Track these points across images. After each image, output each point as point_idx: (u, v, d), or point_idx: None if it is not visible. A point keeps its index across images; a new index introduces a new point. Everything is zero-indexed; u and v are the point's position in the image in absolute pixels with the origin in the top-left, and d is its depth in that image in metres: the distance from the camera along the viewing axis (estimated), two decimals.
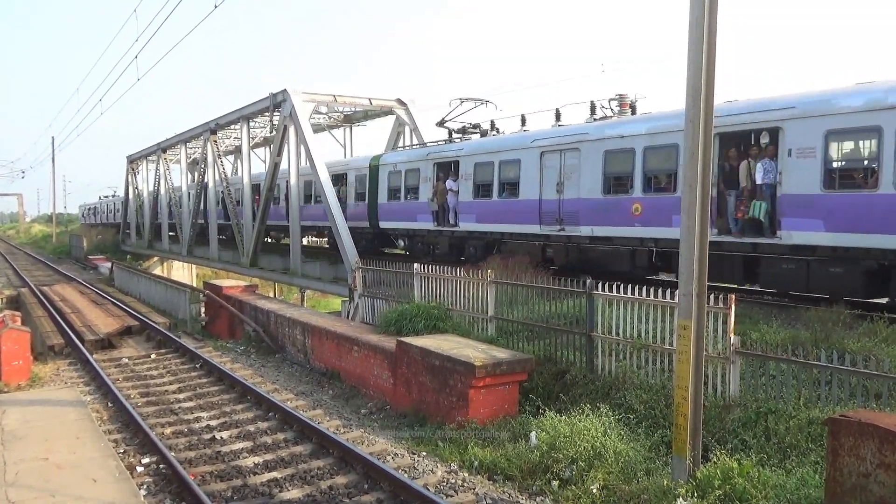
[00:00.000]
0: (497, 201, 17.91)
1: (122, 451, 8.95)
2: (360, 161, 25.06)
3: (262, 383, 12.71)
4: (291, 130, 23.66)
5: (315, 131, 28.22)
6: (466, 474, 8.07)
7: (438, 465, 8.40)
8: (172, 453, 8.73)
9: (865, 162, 10.77)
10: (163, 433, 9.81)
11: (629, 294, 9.64)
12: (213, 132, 30.96)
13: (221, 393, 12.19)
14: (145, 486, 7.86)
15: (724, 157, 12.78)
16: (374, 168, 23.44)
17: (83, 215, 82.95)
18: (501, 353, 10.09)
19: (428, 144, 22.61)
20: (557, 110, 17.60)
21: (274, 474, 8.20)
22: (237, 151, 39.13)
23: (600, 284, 10.18)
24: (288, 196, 25.42)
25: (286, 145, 24.14)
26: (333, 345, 13.66)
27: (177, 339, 16.73)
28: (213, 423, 10.40)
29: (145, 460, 8.67)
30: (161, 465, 8.47)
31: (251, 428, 10.08)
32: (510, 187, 17.60)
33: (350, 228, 21.73)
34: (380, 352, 11.97)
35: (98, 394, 12.21)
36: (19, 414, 9.20)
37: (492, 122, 20.47)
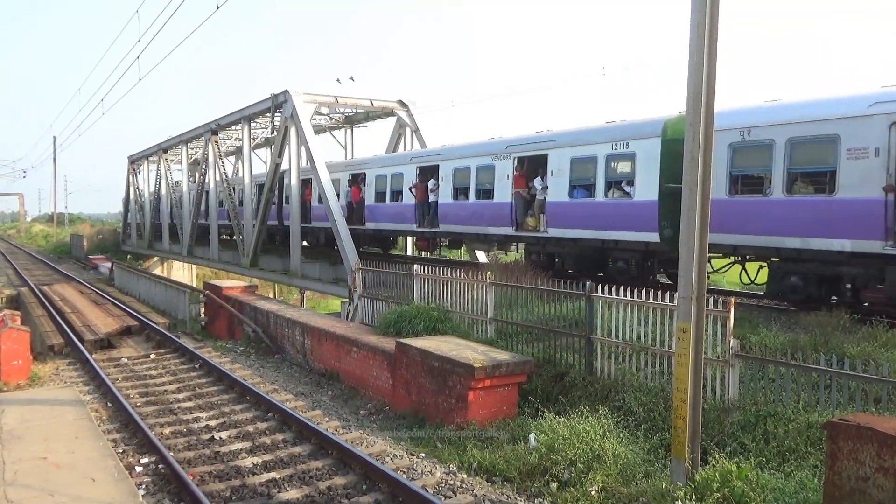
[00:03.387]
0: None
1: (120, 450, 8.94)
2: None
3: (261, 384, 12.70)
4: (293, 131, 23.71)
5: (316, 132, 28.26)
6: (465, 476, 8.07)
7: (437, 467, 8.40)
8: (171, 453, 8.73)
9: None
10: (162, 433, 9.81)
11: (628, 297, 9.65)
12: (215, 133, 31.01)
13: (220, 393, 12.19)
14: (144, 486, 7.86)
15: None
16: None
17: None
18: (501, 355, 10.09)
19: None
20: None
21: (273, 475, 8.20)
22: (238, 152, 39.18)
23: (599, 287, 10.20)
24: (288, 196, 25.46)
25: (287, 146, 24.19)
26: (333, 346, 13.67)
27: (176, 339, 16.73)
28: (213, 423, 10.40)
29: (144, 460, 8.67)
30: (160, 465, 8.47)
31: (250, 428, 10.08)
32: None
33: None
34: (379, 353, 11.97)
35: (97, 393, 12.21)
36: (18, 413, 9.19)
37: None
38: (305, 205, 26.82)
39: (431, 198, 20.38)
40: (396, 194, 22.36)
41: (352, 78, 26.23)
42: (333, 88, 25.88)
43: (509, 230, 17.51)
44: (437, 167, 20.24)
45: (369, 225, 23.86)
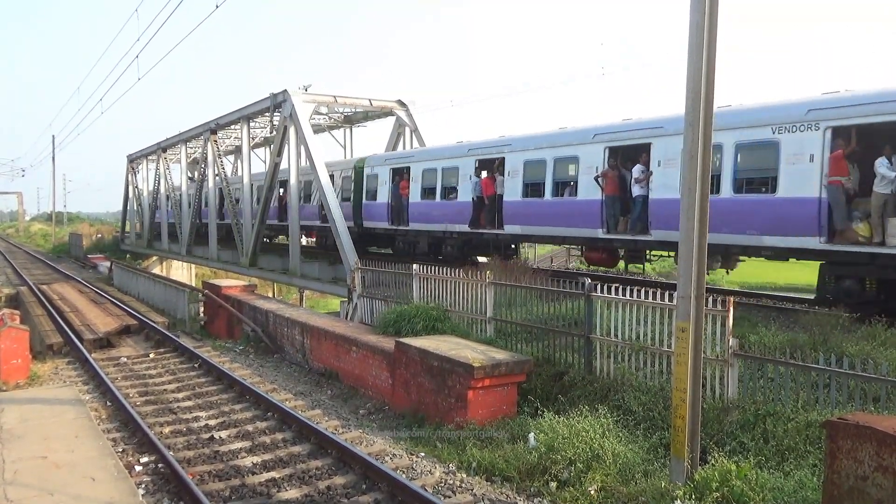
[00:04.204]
0: None
1: (120, 450, 8.94)
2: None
3: (260, 383, 12.70)
4: (292, 131, 23.71)
5: (315, 132, 28.28)
6: (464, 475, 8.08)
7: (436, 466, 8.40)
8: (171, 452, 8.72)
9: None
10: (161, 432, 9.80)
11: (628, 296, 9.65)
12: (214, 132, 31.00)
13: (220, 392, 12.18)
14: (144, 486, 7.86)
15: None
16: None
17: None
18: (500, 355, 10.10)
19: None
20: None
21: (272, 474, 8.19)
22: (237, 151, 39.17)
23: (598, 286, 10.20)
24: (288, 196, 25.41)
25: (286, 145, 24.18)
26: (332, 345, 13.67)
27: (175, 338, 16.72)
28: (212, 422, 10.39)
29: (144, 459, 8.67)
30: (159, 465, 8.46)
31: (250, 427, 10.08)
32: None
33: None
34: (378, 352, 11.97)
35: (97, 393, 12.20)
36: (18, 413, 9.19)
37: None
38: (402, 200, 21.93)
39: (636, 191, 14.68)
40: (561, 186, 16.70)
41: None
42: (334, 89, 25.58)
43: (812, 240, 11.33)
44: (646, 147, 14.32)
45: (509, 228, 17.92)
